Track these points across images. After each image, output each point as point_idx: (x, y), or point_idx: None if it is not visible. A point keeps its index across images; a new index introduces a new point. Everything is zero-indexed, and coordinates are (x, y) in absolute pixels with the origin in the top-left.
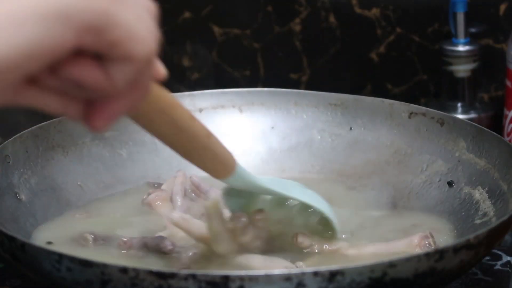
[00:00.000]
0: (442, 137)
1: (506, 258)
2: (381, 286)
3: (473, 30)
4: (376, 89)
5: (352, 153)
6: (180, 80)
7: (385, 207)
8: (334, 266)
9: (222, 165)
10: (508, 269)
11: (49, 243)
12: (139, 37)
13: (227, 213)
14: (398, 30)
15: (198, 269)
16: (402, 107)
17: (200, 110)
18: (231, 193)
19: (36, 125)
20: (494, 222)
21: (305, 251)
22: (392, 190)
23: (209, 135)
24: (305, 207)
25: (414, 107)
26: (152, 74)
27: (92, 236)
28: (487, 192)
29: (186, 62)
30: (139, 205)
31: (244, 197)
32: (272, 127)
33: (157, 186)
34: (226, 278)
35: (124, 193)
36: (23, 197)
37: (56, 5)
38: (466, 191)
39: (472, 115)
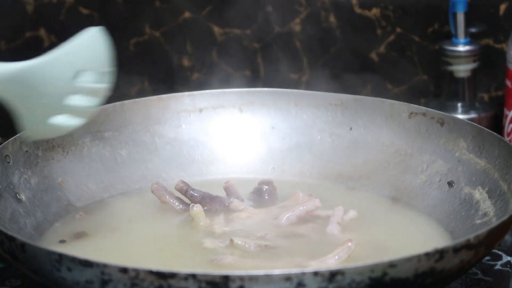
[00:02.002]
0: (442, 137)
1: (506, 258)
2: (381, 286)
3: (473, 30)
4: (376, 89)
5: (352, 153)
6: (180, 80)
7: (385, 207)
8: (334, 266)
9: None
10: (508, 269)
11: (62, 241)
12: None
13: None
14: (398, 30)
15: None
16: (402, 107)
17: (200, 110)
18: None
19: None
20: (494, 222)
21: None
22: (392, 190)
23: None
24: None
25: (414, 107)
26: None
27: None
28: (487, 192)
29: (186, 62)
30: (139, 206)
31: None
32: (272, 127)
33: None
34: (226, 278)
35: (124, 193)
36: (23, 197)
37: None
38: (466, 191)
39: (472, 115)
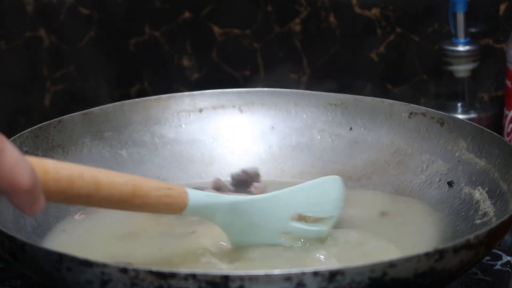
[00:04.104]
0: (442, 137)
1: (506, 258)
2: (381, 286)
3: (473, 30)
4: (376, 89)
5: (352, 153)
6: (180, 80)
7: (384, 207)
8: (334, 266)
9: (175, 206)
10: (508, 269)
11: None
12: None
13: None
14: (398, 30)
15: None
16: (402, 107)
17: (200, 110)
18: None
19: (36, 125)
20: (494, 222)
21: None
22: (392, 190)
23: (157, 188)
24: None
25: (414, 107)
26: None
27: None
28: (487, 192)
29: (186, 62)
30: None
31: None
32: (272, 127)
33: None
34: (226, 278)
35: None
36: None
37: None
38: (466, 191)
39: (472, 115)
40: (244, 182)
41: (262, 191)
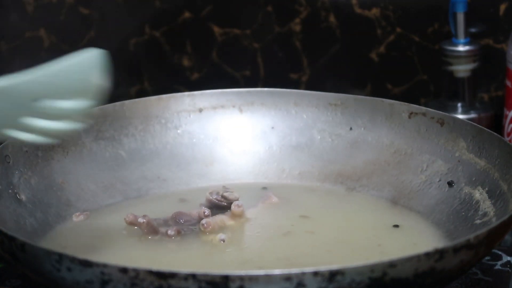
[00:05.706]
0: (442, 137)
1: (506, 258)
2: (381, 286)
3: (473, 30)
4: (376, 89)
5: (352, 153)
6: (180, 80)
7: (384, 207)
8: (334, 266)
9: None
10: (508, 269)
11: None
12: None
13: None
14: (398, 30)
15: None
16: (402, 107)
17: (200, 110)
18: None
19: None
20: (494, 222)
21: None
22: (392, 190)
23: None
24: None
25: (414, 107)
26: None
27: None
28: (487, 192)
29: (186, 62)
30: (139, 206)
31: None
32: (272, 127)
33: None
34: (226, 278)
35: (123, 193)
36: (23, 197)
37: None
38: (466, 191)
39: (472, 115)
40: (222, 207)
41: (242, 212)
